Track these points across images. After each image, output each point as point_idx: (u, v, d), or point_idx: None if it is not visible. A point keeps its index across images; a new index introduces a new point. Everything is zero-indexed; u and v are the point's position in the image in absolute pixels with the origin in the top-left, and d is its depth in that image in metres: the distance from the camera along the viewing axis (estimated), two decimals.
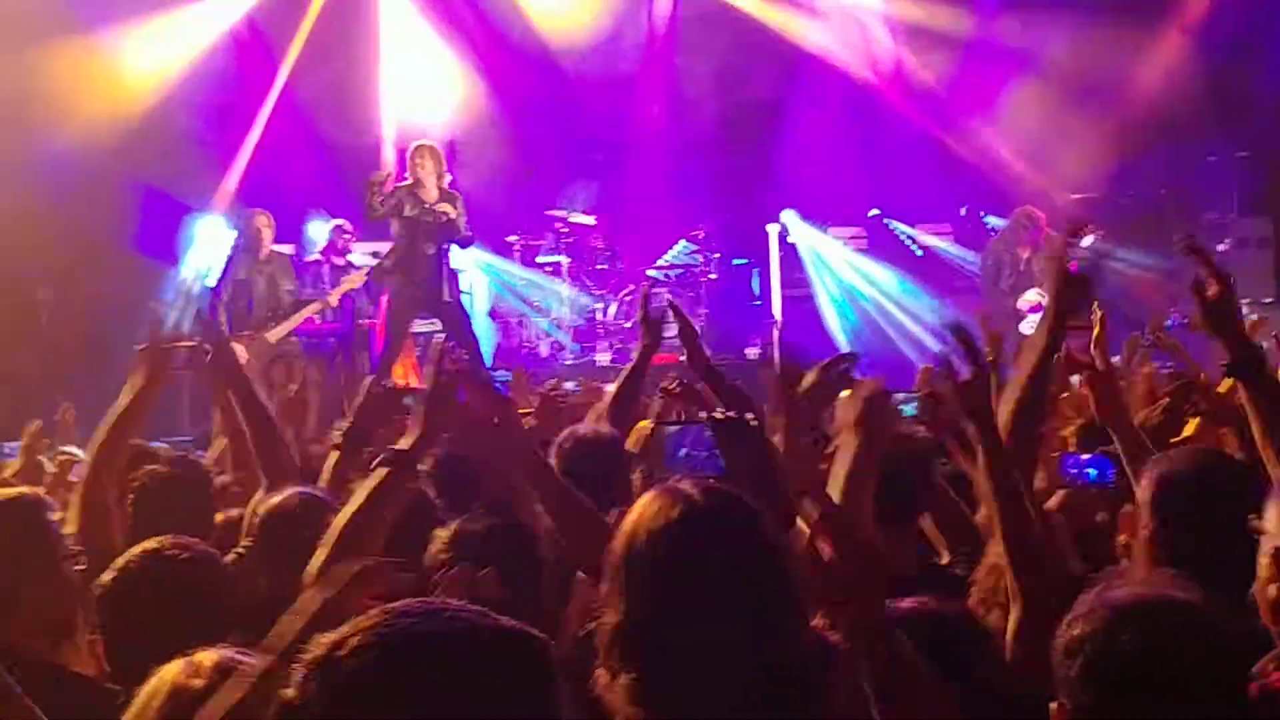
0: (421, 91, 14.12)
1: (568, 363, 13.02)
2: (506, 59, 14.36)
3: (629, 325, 13.07)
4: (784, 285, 13.70)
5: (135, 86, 12.54)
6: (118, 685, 2.90)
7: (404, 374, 11.22)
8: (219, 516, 4.48)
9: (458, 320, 11.13)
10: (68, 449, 5.96)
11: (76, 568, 3.39)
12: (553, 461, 4.16)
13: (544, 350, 13.57)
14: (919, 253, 13.83)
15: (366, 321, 12.02)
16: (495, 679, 1.62)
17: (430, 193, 10.91)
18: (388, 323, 11.47)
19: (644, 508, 2.28)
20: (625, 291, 13.35)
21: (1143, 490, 3.11)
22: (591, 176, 13.93)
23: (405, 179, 11.06)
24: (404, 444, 3.20)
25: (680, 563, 2.20)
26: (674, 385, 4.98)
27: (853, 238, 14.01)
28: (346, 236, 12.13)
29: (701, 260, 13.68)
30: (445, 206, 10.85)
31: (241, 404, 4.46)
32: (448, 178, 11.02)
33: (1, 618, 3.24)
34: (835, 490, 2.75)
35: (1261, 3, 13.50)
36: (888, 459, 2.95)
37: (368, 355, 11.77)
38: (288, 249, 12.30)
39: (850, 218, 13.96)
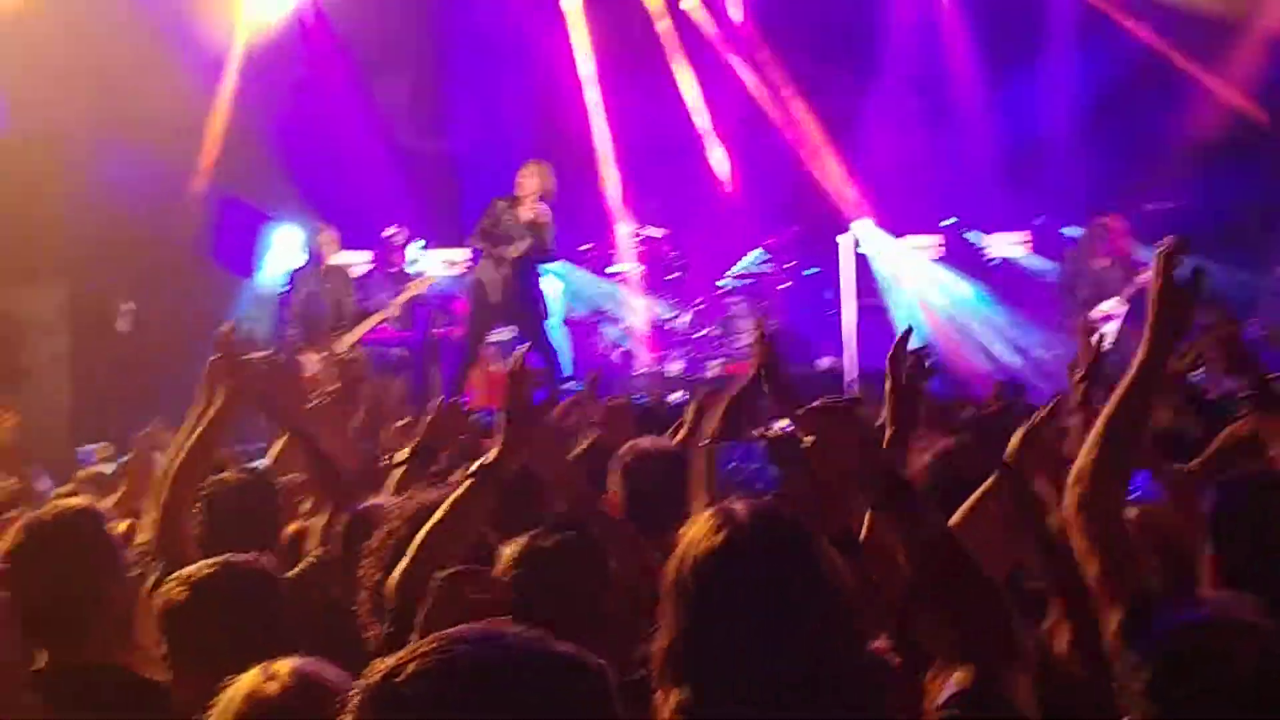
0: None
1: (639, 372, 13.02)
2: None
3: (700, 335, 13.06)
4: (858, 295, 13.62)
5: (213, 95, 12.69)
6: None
7: (479, 384, 11.24)
8: (290, 527, 4.55)
9: (537, 330, 11.06)
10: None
11: (151, 577, 3.46)
12: (614, 474, 4.19)
13: (615, 359, 13.58)
14: (994, 262, 13.72)
15: (439, 331, 12.06)
16: (552, 706, 1.62)
17: (526, 212, 10.96)
18: (466, 332, 11.46)
19: (693, 530, 2.30)
20: (697, 301, 13.34)
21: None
22: (662, 186, 13.96)
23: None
24: (490, 458, 3.22)
25: (724, 585, 2.22)
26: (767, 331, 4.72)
27: (928, 247, 13.92)
28: (402, 240, 11.93)
29: (774, 269, 13.63)
30: (537, 225, 10.89)
31: (293, 435, 4.56)
32: (551, 196, 11.00)
33: (80, 631, 3.30)
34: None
35: None
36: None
37: (438, 368, 11.79)
38: (363, 256, 12.35)
39: (926, 227, 13.88)
